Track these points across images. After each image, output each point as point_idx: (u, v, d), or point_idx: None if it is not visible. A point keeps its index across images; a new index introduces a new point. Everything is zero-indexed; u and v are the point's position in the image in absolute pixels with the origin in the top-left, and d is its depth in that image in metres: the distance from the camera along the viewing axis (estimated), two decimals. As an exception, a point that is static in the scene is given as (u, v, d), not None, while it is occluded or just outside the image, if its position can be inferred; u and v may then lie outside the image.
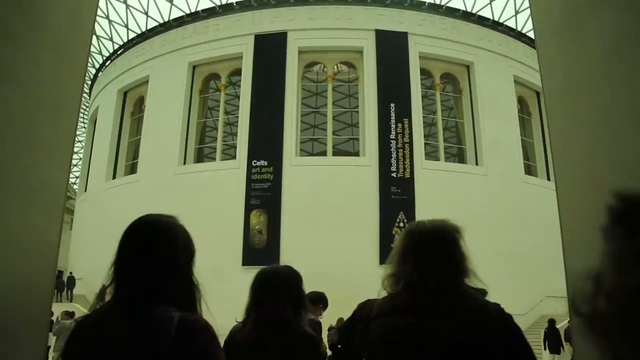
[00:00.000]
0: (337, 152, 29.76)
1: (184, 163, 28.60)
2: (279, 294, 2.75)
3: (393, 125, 26.64)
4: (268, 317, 2.69)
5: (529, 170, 30.53)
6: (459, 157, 30.63)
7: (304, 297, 2.89)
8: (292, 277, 2.88)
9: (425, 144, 28.11)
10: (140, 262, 1.72)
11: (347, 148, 35.37)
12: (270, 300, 2.74)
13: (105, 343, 1.60)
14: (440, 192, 26.08)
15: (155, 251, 1.73)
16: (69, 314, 12.19)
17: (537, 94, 32.59)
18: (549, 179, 30.95)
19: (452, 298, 1.99)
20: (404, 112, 26.96)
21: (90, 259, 29.68)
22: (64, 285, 29.38)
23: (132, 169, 31.18)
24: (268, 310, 2.71)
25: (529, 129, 32.19)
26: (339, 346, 2.34)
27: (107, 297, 1.82)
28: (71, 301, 28.43)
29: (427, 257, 2.05)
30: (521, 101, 31.87)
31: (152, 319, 1.59)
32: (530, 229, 27.61)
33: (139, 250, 1.74)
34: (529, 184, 29.16)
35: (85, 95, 41.83)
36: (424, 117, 28.49)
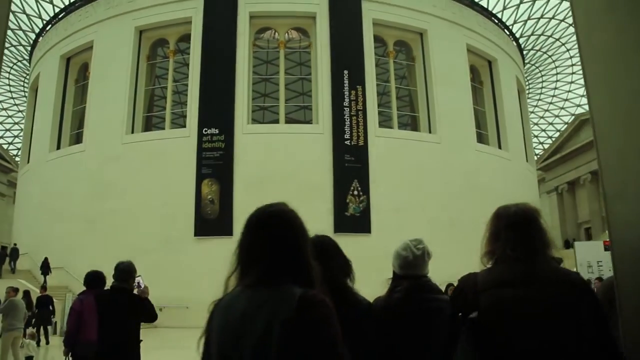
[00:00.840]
0: (289, 121, 29.25)
1: (132, 132, 27.65)
2: (332, 261, 2.73)
3: (346, 93, 26.31)
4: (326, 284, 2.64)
5: (481, 138, 30.79)
6: (412, 125, 30.59)
7: (351, 265, 2.88)
8: (337, 246, 2.88)
9: (379, 111, 27.85)
10: (264, 247, 1.90)
11: (299, 117, 34.88)
12: (325, 267, 2.57)
13: (235, 320, 1.83)
14: (394, 160, 26.04)
15: (278, 237, 1.91)
16: (15, 290, 11.46)
17: (489, 62, 32.80)
18: (500, 147, 31.36)
19: (543, 268, 2.35)
20: (358, 79, 26.65)
21: (34, 233, 28.68)
22: (5, 257, 28.26)
23: (77, 139, 30.00)
24: (325, 277, 2.59)
25: (481, 98, 32.41)
26: (472, 315, 2.48)
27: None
28: (13, 272, 27.46)
29: (516, 234, 2.43)
30: (473, 70, 31.99)
31: (277, 295, 1.78)
32: (482, 196, 27.84)
33: (263, 238, 1.92)
34: (481, 152, 29.43)
35: (25, 62, 40.02)
36: (377, 84, 28.23)
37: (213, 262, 23.92)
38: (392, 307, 2.90)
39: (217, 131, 25.39)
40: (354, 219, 25.00)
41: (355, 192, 25.23)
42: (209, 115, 25.62)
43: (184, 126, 26.97)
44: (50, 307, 17.35)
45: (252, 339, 1.74)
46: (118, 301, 5.52)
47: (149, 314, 5.82)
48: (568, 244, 41.81)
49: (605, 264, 19.33)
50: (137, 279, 5.96)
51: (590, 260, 19.69)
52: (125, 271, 5.65)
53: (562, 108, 50.97)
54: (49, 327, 17.67)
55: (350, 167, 25.41)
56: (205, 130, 25.45)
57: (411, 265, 3.00)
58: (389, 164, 25.93)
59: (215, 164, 25.10)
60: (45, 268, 25.77)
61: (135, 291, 5.91)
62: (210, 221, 24.65)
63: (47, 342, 16.97)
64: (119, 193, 25.72)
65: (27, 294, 13.02)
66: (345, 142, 25.69)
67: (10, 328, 10.36)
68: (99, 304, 5.67)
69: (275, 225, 1.95)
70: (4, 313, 10.62)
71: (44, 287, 18.14)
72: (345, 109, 26.07)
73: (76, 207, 26.59)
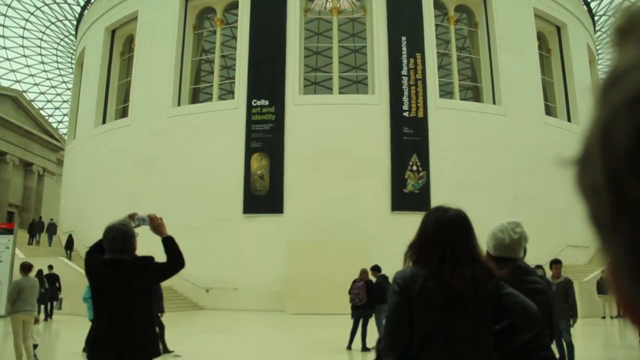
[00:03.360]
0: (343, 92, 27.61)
1: (179, 104, 26.49)
2: (473, 242, 2.45)
3: (405, 61, 24.46)
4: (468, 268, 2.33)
5: (549, 110, 28.45)
6: (474, 95, 28.52)
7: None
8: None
9: (440, 81, 25.86)
10: None
11: (352, 92, 33.17)
12: (468, 249, 2.40)
13: None
14: (455, 133, 24.17)
15: None
16: (25, 268, 9.82)
17: (558, 28, 30.32)
18: (569, 120, 29.00)
19: None
20: (417, 46, 24.76)
21: (80, 209, 28.00)
22: (40, 231, 28.67)
23: (123, 113, 29.07)
24: (466, 260, 2.35)
25: (549, 67, 29.97)
26: None
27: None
28: (50, 246, 27.65)
29: None
30: (540, 37, 29.53)
31: None
32: (551, 173, 25.74)
33: None
34: (549, 125, 27.16)
35: (71, 37, 39.42)
36: (437, 53, 26.24)
37: (263, 241, 22.81)
38: None
39: (267, 102, 23.98)
40: (412, 196, 23.30)
41: (414, 168, 23.51)
42: (258, 85, 24.22)
43: (233, 96, 25.65)
44: (57, 284, 17.84)
45: None
46: (114, 277, 3.61)
47: (167, 267, 3.74)
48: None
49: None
50: (137, 219, 3.80)
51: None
52: (118, 238, 3.66)
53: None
54: (55, 303, 18.31)
55: (409, 140, 23.67)
56: (255, 102, 24.06)
57: (506, 248, 2.96)
58: (450, 137, 24.07)
59: (265, 137, 23.72)
60: (70, 244, 25.93)
61: (137, 229, 3.80)
62: (260, 198, 23.37)
63: (45, 319, 16.98)
64: (165, 168, 24.69)
65: (39, 273, 12.08)
66: (404, 114, 23.92)
67: (15, 310, 9.01)
68: (92, 282, 3.78)
69: None
70: (10, 297, 9.23)
71: (50, 266, 18.30)
72: (404, 78, 24.26)
73: (121, 182, 25.70)
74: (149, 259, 3.66)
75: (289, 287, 21.08)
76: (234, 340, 13.51)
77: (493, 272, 2.36)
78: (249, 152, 23.77)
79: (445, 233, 2.38)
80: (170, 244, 3.74)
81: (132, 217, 3.76)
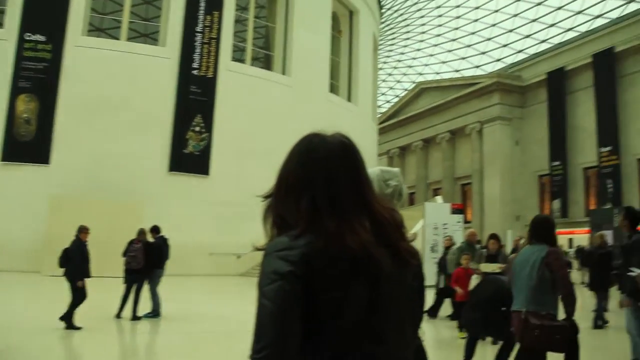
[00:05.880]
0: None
1: None
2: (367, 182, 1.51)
3: (201, 17, 23.58)
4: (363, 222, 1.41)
5: (332, 88, 29.66)
6: (265, 63, 28.62)
7: None
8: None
9: (233, 45, 25.41)
10: None
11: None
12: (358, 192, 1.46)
13: None
14: (243, 98, 24.08)
15: None
16: None
17: (351, 13, 31.64)
18: (349, 100, 30.57)
19: None
20: (215, 4, 24.00)
21: None
22: None
23: None
24: (359, 210, 1.44)
25: (337, 47, 31.16)
26: None
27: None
28: None
29: None
30: (334, 17, 30.56)
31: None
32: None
33: None
34: (332, 102, 28.35)
35: None
36: (235, 15, 25.72)
37: (23, 193, 20.45)
38: None
39: (43, 39, 21.46)
40: (192, 157, 22.75)
41: (197, 129, 22.93)
42: (34, 17, 21.51)
43: (2, 25, 22.51)
44: None
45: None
46: None
47: None
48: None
49: (450, 226, 19.28)
50: None
51: (437, 222, 19.50)
52: None
53: (405, 74, 51.89)
54: None
55: (195, 100, 22.97)
56: (29, 36, 21.39)
57: None
58: (237, 102, 23.87)
59: (37, 77, 21.24)
60: None
61: None
62: (23, 145, 20.98)
63: None
64: None
65: None
66: (193, 72, 23.13)
67: None
68: None
69: None
70: None
71: None
72: (198, 35, 23.40)
73: None
74: None
75: (49, 247, 19.20)
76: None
77: (401, 226, 1.48)
78: (15, 92, 21.12)
79: (316, 169, 1.44)
80: None
81: None
